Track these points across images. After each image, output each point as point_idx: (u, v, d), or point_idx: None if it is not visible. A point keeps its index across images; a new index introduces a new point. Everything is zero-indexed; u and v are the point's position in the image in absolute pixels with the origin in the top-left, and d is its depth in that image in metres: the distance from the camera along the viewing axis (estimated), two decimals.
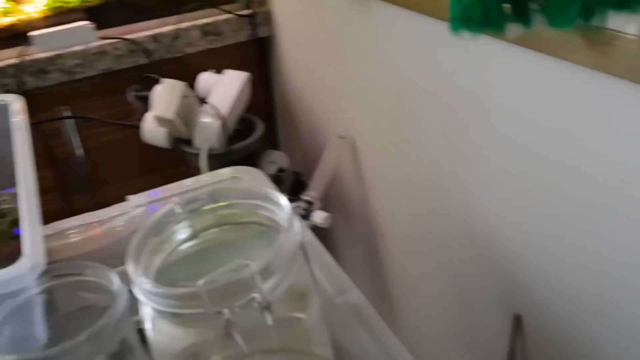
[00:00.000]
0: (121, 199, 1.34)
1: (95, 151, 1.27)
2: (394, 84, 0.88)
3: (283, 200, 0.43)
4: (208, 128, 1.10)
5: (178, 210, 0.47)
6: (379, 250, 1.09)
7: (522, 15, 0.39)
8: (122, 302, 0.43)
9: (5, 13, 1.18)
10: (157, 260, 0.46)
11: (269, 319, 0.37)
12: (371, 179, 1.05)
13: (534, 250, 0.68)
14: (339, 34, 1.01)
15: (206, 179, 0.80)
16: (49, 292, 0.49)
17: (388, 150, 0.96)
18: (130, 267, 0.42)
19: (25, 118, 0.69)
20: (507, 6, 0.39)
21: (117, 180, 1.32)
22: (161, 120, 1.06)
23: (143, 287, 0.40)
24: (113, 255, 0.73)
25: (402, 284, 1.04)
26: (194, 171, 1.24)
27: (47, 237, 0.71)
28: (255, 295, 0.37)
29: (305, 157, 1.31)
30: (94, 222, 0.74)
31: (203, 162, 1.09)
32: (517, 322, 0.76)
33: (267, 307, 0.37)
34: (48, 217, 1.31)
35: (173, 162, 1.32)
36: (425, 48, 0.77)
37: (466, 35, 0.42)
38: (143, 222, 0.75)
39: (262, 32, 1.30)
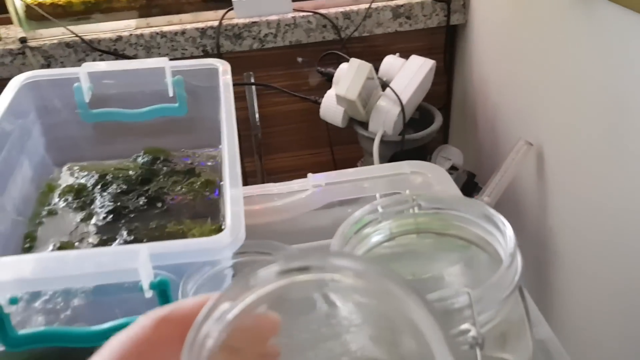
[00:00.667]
0: (287, 168, 1.39)
1: (270, 118, 1.31)
2: (608, 95, 0.77)
3: (508, 227, 0.38)
4: (386, 113, 1.07)
5: (380, 210, 0.45)
6: (550, 279, 0.99)
7: None
8: None
9: None
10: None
11: (479, 356, 0.33)
12: (555, 195, 0.95)
13: None
14: (547, 31, 0.91)
15: (384, 170, 0.77)
16: (237, 266, 0.50)
17: (584, 167, 0.86)
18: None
19: (230, 82, 0.71)
20: None
21: (285, 149, 1.36)
22: (342, 100, 1.05)
23: None
24: (288, 231, 0.74)
25: (576, 324, 0.94)
26: (362, 153, 1.23)
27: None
28: (470, 328, 0.33)
29: (479, 157, 1.23)
30: (274, 193, 0.75)
31: (375, 147, 1.07)
32: None
33: (480, 343, 0.33)
34: None
35: (342, 140, 1.32)
36: None
37: None
38: (319, 203, 0.76)
39: (455, 19, 1.23)
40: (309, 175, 0.76)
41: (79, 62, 1.13)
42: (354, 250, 0.43)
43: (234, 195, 0.51)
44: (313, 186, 0.74)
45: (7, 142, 0.64)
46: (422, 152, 1.16)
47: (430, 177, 0.75)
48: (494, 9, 1.12)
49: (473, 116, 1.25)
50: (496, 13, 1.11)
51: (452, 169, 1.13)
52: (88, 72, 0.71)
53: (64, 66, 1.13)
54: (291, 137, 1.34)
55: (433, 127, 1.11)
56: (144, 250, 0.44)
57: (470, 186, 1.07)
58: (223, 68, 0.74)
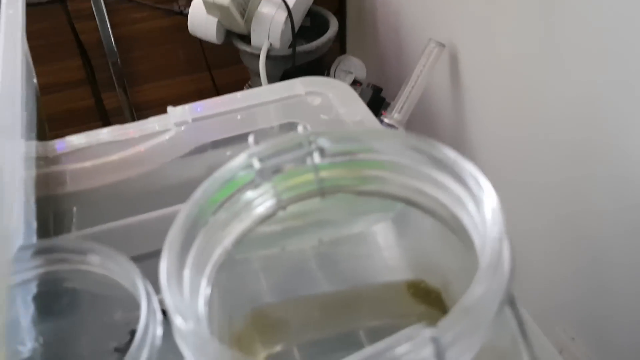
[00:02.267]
0: (160, 101, 1.15)
1: (130, 40, 1.06)
2: None
3: (486, 185, 0.22)
4: (270, 21, 0.86)
5: (256, 164, 0.26)
6: None
7: None
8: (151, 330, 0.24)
9: None
10: (217, 251, 0.26)
11: None
12: (473, 104, 0.82)
13: None
14: None
15: (272, 94, 0.58)
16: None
17: (507, 68, 0.72)
18: (164, 278, 0.22)
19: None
20: None
21: (154, 77, 1.12)
22: (212, 7, 0.82)
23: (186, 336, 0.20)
24: (143, 191, 0.54)
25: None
26: (248, 74, 1.03)
27: (78, 152, 0.51)
28: None
29: (384, 66, 1.07)
30: (128, 139, 0.54)
31: (262, 64, 0.87)
32: None
33: None
34: (77, 116, 1.12)
35: (223, 61, 1.10)
36: None
37: None
38: (185, 147, 0.56)
39: None
40: (169, 109, 0.56)
41: None
42: (214, 240, 0.25)
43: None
44: (176, 124, 0.54)
45: None
46: (319, 67, 0.98)
47: (331, 98, 0.57)
48: None
49: (373, 19, 1.07)
50: None
51: (354, 84, 0.96)
52: None
53: None
54: (159, 61, 1.10)
55: (328, 35, 0.92)
56: None
57: (377, 102, 0.92)
58: None
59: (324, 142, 0.26)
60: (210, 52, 1.07)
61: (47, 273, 0.29)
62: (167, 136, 0.54)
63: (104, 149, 0.53)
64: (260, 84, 0.92)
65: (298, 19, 0.91)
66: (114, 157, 0.53)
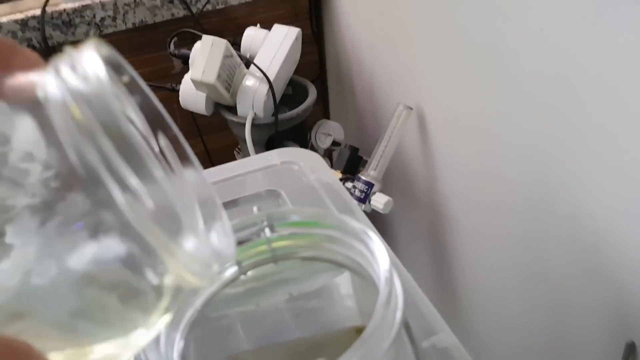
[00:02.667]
0: None
1: None
2: (481, 50, 0.71)
3: (376, 244, 0.29)
4: (254, 93, 0.95)
5: None
6: (447, 244, 0.94)
7: None
8: None
9: None
10: (188, 312, 0.32)
11: None
12: (442, 159, 0.90)
13: None
14: None
15: (252, 164, 0.65)
16: None
17: (467, 127, 0.80)
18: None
19: None
20: None
21: None
22: (201, 85, 0.92)
23: None
24: None
25: (475, 287, 0.90)
26: (236, 140, 1.11)
27: None
28: None
29: (361, 128, 1.16)
30: None
31: (247, 133, 0.95)
32: (630, 352, 0.62)
33: None
34: None
35: (212, 128, 1.19)
36: (529, 5, 0.60)
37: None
38: None
39: None
40: None
41: None
42: (189, 298, 0.32)
43: None
44: None
45: None
46: (301, 131, 1.06)
47: (302, 166, 0.65)
48: None
49: (350, 85, 1.17)
50: None
51: (334, 145, 1.04)
52: None
53: None
54: None
55: (307, 103, 1.01)
56: None
57: (354, 161, 0.99)
58: None
59: (274, 219, 0.34)
60: (201, 121, 1.16)
61: None
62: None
63: None
64: (247, 150, 1.00)
65: (279, 89, 1.00)
66: None
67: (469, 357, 0.42)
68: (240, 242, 0.34)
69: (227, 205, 0.62)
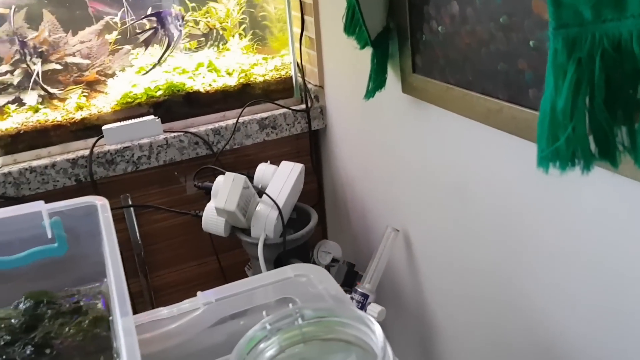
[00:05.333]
0: (174, 283, 1.38)
1: (151, 236, 1.32)
2: (450, 184, 0.91)
3: (376, 326, 0.45)
4: (266, 218, 1.13)
5: (268, 327, 0.50)
6: (434, 345, 1.08)
7: (609, 155, 0.42)
8: None
9: (79, 108, 1.27)
10: None
11: None
12: (425, 272, 1.06)
13: (605, 355, 0.67)
14: (392, 130, 1.05)
15: (270, 277, 0.82)
16: None
17: (443, 244, 0.98)
18: None
19: (111, 219, 0.73)
20: (593, 147, 0.42)
21: (171, 264, 1.36)
22: (222, 211, 1.10)
23: None
24: (184, 354, 0.75)
25: None
26: (247, 257, 1.28)
27: None
28: None
29: (356, 246, 1.33)
30: (166, 317, 0.76)
31: (260, 252, 1.12)
32: None
33: None
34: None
35: (226, 247, 1.35)
36: (482, 154, 0.81)
37: (553, 171, 0.44)
38: (211, 319, 0.78)
39: (315, 125, 1.36)
40: (199, 293, 0.79)
41: None
42: None
43: (126, 329, 0.53)
44: (204, 304, 0.77)
45: None
46: (304, 249, 1.23)
47: (312, 278, 0.81)
48: (345, 114, 1.26)
49: (345, 209, 1.36)
50: (348, 117, 1.25)
51: (334, 261, 1.21)
52: None
53: None
54: (175, 251, 1.35)
55: (310, 225, 1.19)
56: None
57: (351, 275, 1.15)
58: (101, 204, 0.76)
59: (305, 310, 0.50)
60: (216, 242, 1.33)
61: None
62: (197, 312, 0.77)
63: (149, 327, 0.75)
64: (258, 265, 1.16)
65: (286, 214, 1.18)
66: (160, 331, 0.74)
67: None
68: (279, 329, 0.50)
69: (254, 309, 0.78)
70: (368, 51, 0.95)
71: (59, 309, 0.73)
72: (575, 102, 0.40)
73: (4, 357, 0.64)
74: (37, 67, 1.27)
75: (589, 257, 0.67)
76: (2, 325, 0.69)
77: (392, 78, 0.98)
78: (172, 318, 0.76)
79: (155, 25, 1.34)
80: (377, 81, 0.96)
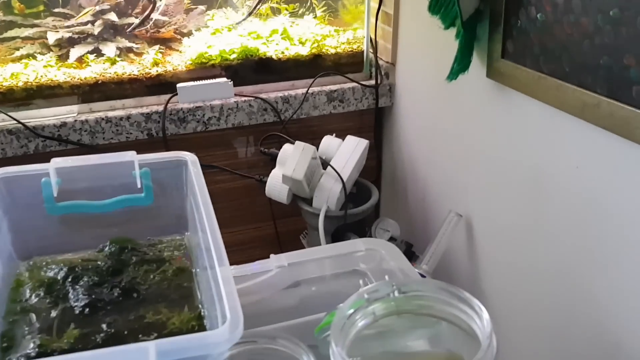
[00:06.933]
0: (228, 243, 1.41)
1: (213, 195, 1.34)
2: (528, 175, 0.90)
3: (484, 312, 0.46)
4: (329, 190, 1.15)
5: (365, 296, 0.51)
6: None
7: None
8: None
9: (155, 64, 1.29)
10: (346, 341, 0.49)
11: None
12: (484, 262, 1.06)
13: None
14: (470, 115, 1.04)
15: (341, 249, 0.83)
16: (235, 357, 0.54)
17: (508, 237, 0.98)
18: (334, 346, 0.45)
19: (201, 173, 0.76)
20: None
21: (229, 224, 1.39)
22: (289, 179, 1.12)
23: None
24: (259, 312, 0.77)
25: None
26: (303, 224, 1.29)
27: None
28: None
29: (412, 227, 1.34)
30: (238, 276, 0.78)
31: (321, 223, 1.14)
32: None
33: None
34: None
35: (283, 213, 1.38)
36: (571, 149, 0.79)
37: None
38: (284, 283, 0.80)
39: (382, 102, 1.35)
40: (272, 256, 0.81)
41: (21, 149, 1.13)
42: (346, 333, 0.49)
43: (227, 285, 0.55)
44: (277, 267, 0.79)
45: None
46: (362, 224, 1.24)
47: (383, 253, 0.82)
48: (416, 93, 1.26)
49: (404, 189, 1.36)
50: (419, 96, 1.25)
51: (391, 240, 1.22)
52: (56, 167, 0.73)
53: (5, 153, 1.12)
54: (233, 213, 1.38)
55: (372, 201, 1.20)
56: (152, 348, 0.47)
57: (408, 255, 1.16)
58: (191, 159, 0.78)
59: (400, 286, 0.51)
60: (275, 207, 1.35)
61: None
62: (270, 274, 0.79)
63: None
64: (316, 235, 1.18)
65: (349, 188, 1.19)
66: (243, 285, 0.76)
67: None
68: (377, 299, 0.51)
69: (325, 277, 0.79)
70: (449, 32, 0.94)
71: (143, 257, 0.76)
72: None
73: (92, 296, 0.67)
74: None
75: None
76: (90, 267, 0.73)
77: (476, 62, 0.96)
78: (244, 277, 0.79)
79: None
80: (462, 63, 0.95)
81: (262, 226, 1.40)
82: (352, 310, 0.50)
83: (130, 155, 0.76)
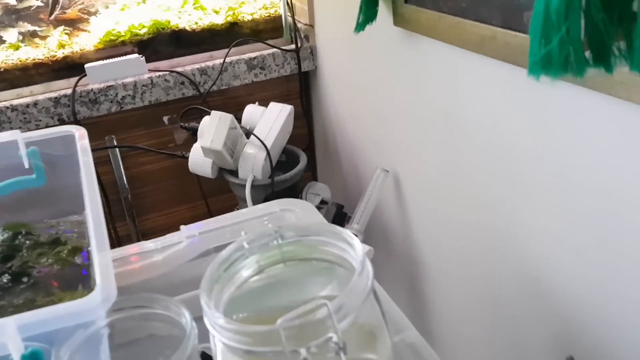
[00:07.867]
0: (163, 227, 1.37)
1: (139, 179, 1.30)
2: (442, 119, 0.88)
3: (355, 240, 0.43)
4: (253, 159, 1.11)
5: (246, 246, 0.48)
6: (422, 285, 1.08)
7: (603, 60, 0.39)
8: (193, 337, 0.44)
9: (61, 46, 1.23)
10: (226, 294, 0.46)
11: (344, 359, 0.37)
12: (414, 213, 1.05)
13: (591, 290, 0.67)
14: (383, 67, 1.02)
15: (256, 212, 0.80)
16: (114, 323, 0.50)
17: (433, 185, 0.96)
18: (203, 300, 0.42)
19: (88, 146, 0.71)
20: (588, 51, 0.40)
21: (158, 207, 1.34)
22: (209, 151, 1.08)
23: (217, 322, 0.40)
24: (167, 284, 0.74)
25: (446, 320, 1.03)
26: (236, 200, 1.26)
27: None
28: (332, 335, 0.37)
29: (345, 188, 1.32)
30: (150, 250, 0.75)
31: (247, 192, 1.10)
32: None
33: (342, 347, 0.37)
34: None
35: (214, 191, 1.34)
36: (476, 86, 0.78)
37: (545, 80, 0.42)
38: (195, 253, 0.77)
39: (305, 66, 1.32)
40: (182, 227, 0.77)
41: None
42: (225, 288, 0.46)
43: (102, 256, 0.51)
44: (187, 237, 0.76)
45: None
46: (293, 192, 1.22)
47: (298, 212, 0.79)
48: (336, 54, 1.23)
49: (335, 152, 1.34)
50: (339, 57, 1.22)
51: (322, 203, 1.19)
52: None
53: None
54: (163, 195, 1.33)
55: (299, 167, 1.17)
56: (10, 323, 0.43)
57: (340, 217, 1.14)
58: (79, 133, 0.73)
59: (283, 231, 0.48)
60: (205, 185, 1.31)
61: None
62: (181, 246, 0.75)
63: (133, 259, 0.74)
64: (246, 207, 1.14)
65: (275, 156, 1.16)
66: (143, 263, 0.73)
67: (432, 351, 0.56)
68: (258, 248, 0.48)
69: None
70: None
71: (37, 240, 0.71)
72: (571, 0, 0.38)
73: None
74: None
75: (589, 186, 0.65)
76: None
77: (384, 11, 0.94)
78: (156, 250, 0.75)
79: None
80: (367, 13, 0.92)
81: (194, 205, 1.36)
82: (230, 261, 0.47)
83: (13, 134, 0.71)
